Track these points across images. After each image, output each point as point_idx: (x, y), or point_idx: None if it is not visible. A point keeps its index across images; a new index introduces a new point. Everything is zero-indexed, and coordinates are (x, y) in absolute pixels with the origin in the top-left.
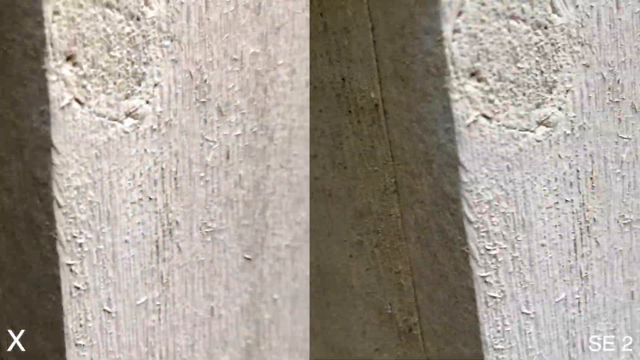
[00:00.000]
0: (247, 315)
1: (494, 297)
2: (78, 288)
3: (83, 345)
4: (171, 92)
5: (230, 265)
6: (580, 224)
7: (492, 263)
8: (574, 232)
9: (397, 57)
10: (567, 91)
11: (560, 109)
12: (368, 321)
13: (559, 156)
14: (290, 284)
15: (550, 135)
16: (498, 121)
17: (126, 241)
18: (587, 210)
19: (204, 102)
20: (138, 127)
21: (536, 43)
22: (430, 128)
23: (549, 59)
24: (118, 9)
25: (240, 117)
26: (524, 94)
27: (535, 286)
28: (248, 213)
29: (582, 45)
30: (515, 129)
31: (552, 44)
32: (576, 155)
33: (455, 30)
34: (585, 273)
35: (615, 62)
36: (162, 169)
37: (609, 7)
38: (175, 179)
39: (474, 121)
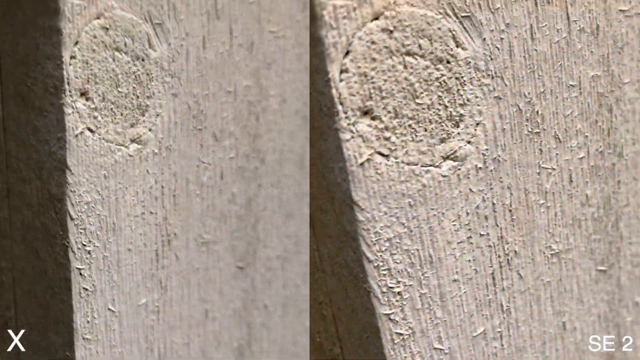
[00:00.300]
0: (239, 318)
1: (401, 334)
2: (86, 289)
3: (89, 339)
4: (171, 121)
5: (224, 273)
6: (499, 257)
7: (397, 300)
8: (491, 266)
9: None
10: (478, 124)
11: (469, 142)
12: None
13: (470, 190)
14: (280, 291)
15: (459, 169)
16: (396, 158)
17: (129, 249)
18: (507, 243)
19: (200, 129)
20: (142, 152)
21: (437, 78)
22: (329, 166)
23: (454, 94)
24: (126, 52)
25: (234, 142)
26: (425, 130)
27: (448, 322)
28: (241, 227)
29: (493, 77)
30: (416, 165)
31: (457, 78)
32: (491, 189)
33: (343, 71)
34: (507, 306)
35: (533, 93)
36: (162, 187)
37: (523, 38)
38: (174, 196)
39: (368, 160)
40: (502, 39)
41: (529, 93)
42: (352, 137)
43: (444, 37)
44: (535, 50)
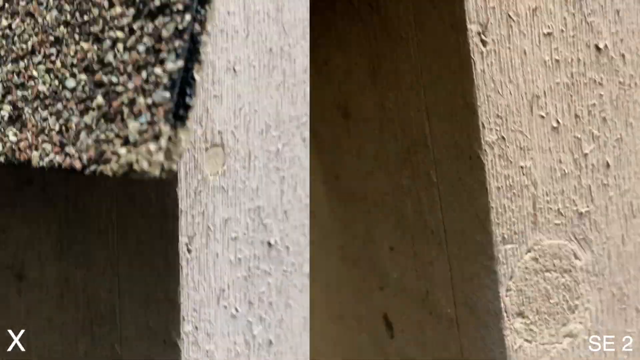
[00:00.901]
0: None
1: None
2: None
3: None
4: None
5: None
6: None
7: None
8: None
9: (469, 292)
10: (586, 309)
11: (580, 322)
12: None
13: (580, 356)
14: None
15: (574, 343)
16: (536, 341)
17: None
18: None
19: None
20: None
21: (563, 283)
22: (491, 350)
23: (572, 291)
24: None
25: None
26: (554, 319)
27: None
28: None
29: (597, 275)
30: (547, 344)
31: (575, 281)
32: (592, 354)
33: (508, 290)
34: None
35: (622, 281)
36: None
37: (617, 245)
38: None
39: (520, 346)
40: (604, 248)
41: (619, 282)
42: (511, 332)
43: (569, 255)
44: (625, 250)
